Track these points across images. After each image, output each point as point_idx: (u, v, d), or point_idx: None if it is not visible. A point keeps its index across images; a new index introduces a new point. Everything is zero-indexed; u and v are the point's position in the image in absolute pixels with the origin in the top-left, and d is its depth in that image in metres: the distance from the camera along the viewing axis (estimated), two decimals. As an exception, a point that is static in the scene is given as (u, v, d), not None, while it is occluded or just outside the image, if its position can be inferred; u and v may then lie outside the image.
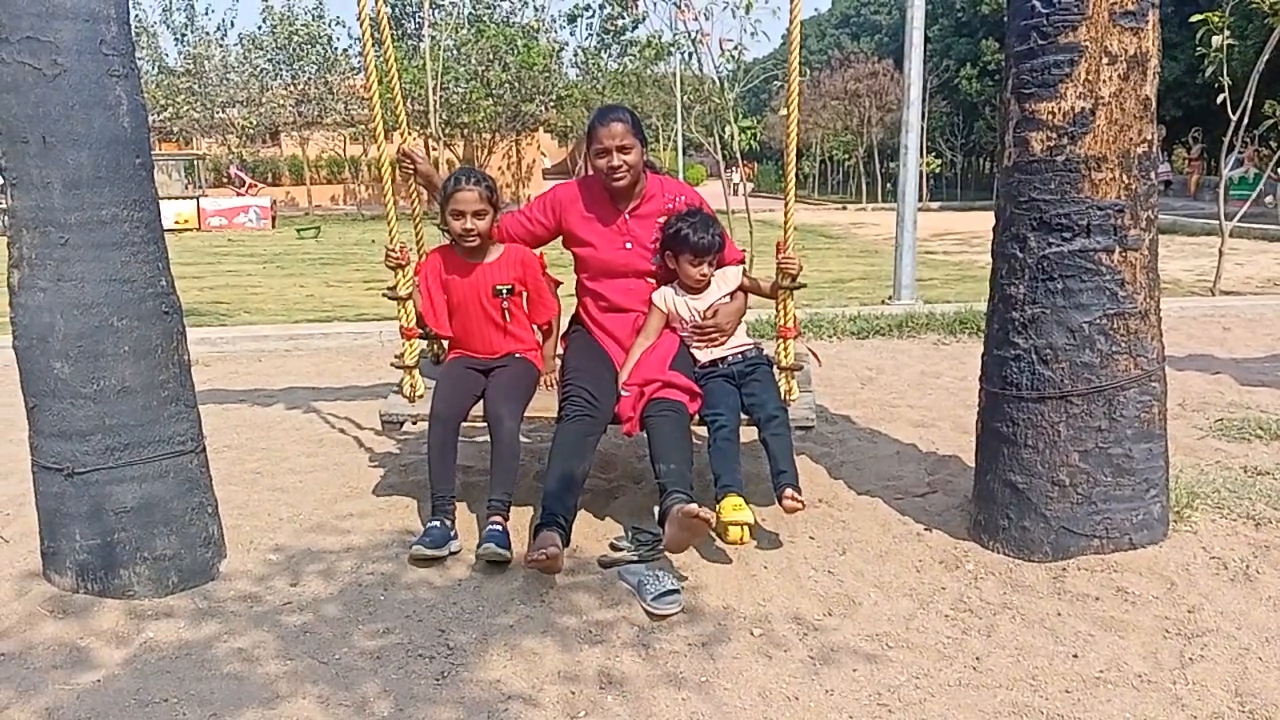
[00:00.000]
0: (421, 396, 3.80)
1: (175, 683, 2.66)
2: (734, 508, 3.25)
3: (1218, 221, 10.08)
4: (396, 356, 3.85)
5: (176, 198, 26.03)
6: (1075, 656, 2.68)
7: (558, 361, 3.89)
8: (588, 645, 2.82)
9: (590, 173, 3.77)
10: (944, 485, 4.04)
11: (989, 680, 2.58)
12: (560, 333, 3.98)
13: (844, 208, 33.40)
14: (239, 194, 29.10)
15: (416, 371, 3.82)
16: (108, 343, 3.04)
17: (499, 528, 3.39)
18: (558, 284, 3.96)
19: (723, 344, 3.71)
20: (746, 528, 3.29)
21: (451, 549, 3.44)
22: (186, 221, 24.89)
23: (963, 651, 2.74)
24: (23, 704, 2.57)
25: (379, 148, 3.75)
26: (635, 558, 3.36)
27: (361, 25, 3.56)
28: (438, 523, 3.47)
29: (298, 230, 22.60)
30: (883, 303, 9.12)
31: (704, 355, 3.71)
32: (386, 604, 3.10)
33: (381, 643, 2.86)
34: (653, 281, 3.80)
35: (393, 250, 3.71)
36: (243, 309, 10.31)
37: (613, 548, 3.46)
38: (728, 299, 3.74)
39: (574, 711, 2.49)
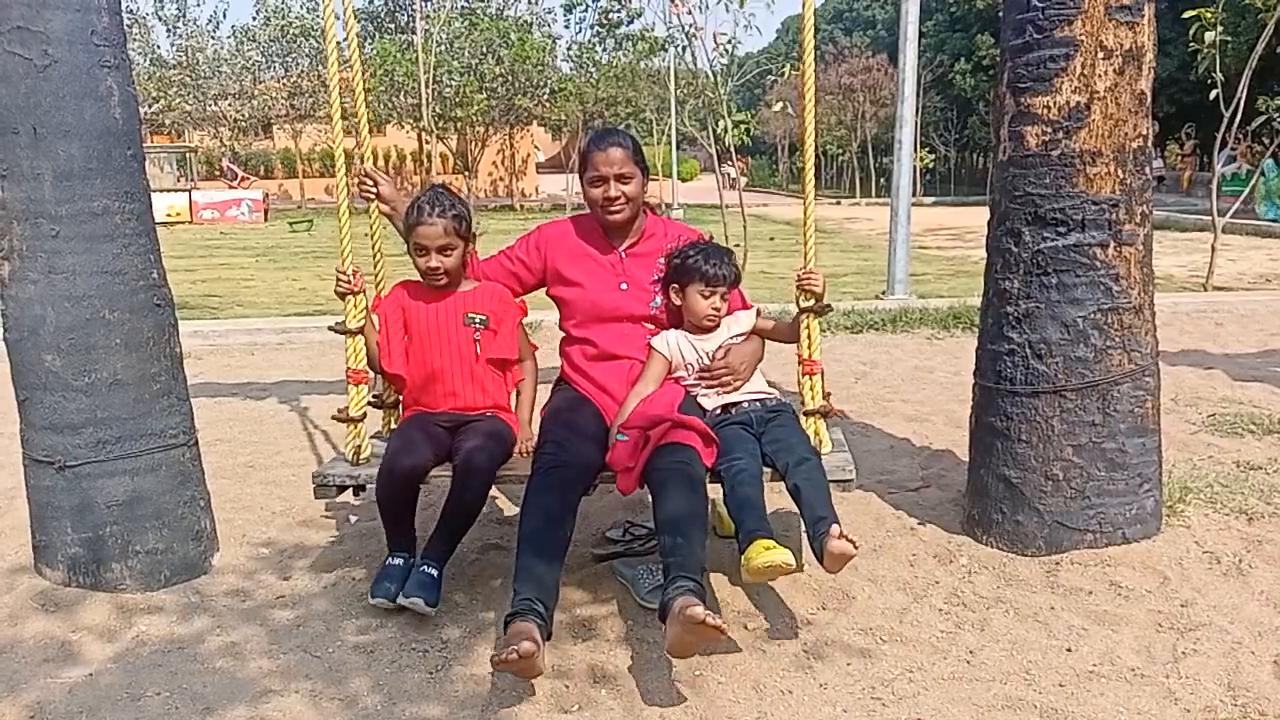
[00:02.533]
0: (368, 460, 3.13)
1: (166, 677, 2.65)
2: (765, 548, 2.63)
3: (1210, 217, 10.10)
4: (340, 410, 3.19)
5: (168, 190, 25.94)
6: (1069, 650, 2.68)
7: (535, 430, 3.16)
8: (580, 640, 2.82)
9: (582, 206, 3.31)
10: (937, 480, 4.05)
11: (982, 674, 2.58)
12: (538, 403, 3.32)
13: (838, 203, 33.42)
14: (231, 187, 29.02)
15: (363, 427, 3.18)
16: (99, 335, 3.03)
17: (432, 574, 2.92)
18: (534, 348, 3.40)
19: (736, 389, 3.14)
20: (782, 568, 2.63)
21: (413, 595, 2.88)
22: (178, 214, 24.83)
23: (956, 645, 2.74)
24: (12, 699, 2.56)
25: (335, 143, 3.20)
26: (629, 552, 3.36)
27: (325, 21, 3.18)
28: (400, 560, 3.00)
29: (290, 223, 22.55)
30: (876, 298, 9.13)
31: (713, 402, 3.12)
32: (379, 598, 3.09)
33: (373, 638, 2.85)
34: (651, 328, 3.22)
35: (343, 275, 3.12)
36: (235, 302, 10.28)
37: (607, 541, 3.45)
38: (741, 339, 3.20)
39: (566, 706, 2.49)
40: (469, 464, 2.92)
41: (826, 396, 3.15)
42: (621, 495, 2.96)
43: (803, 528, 2.81)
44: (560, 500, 2.78)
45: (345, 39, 3.18)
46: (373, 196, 3.26)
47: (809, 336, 3.12)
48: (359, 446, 3.15)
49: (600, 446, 2.97)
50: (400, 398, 3.33)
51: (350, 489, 3.09)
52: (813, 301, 3.10)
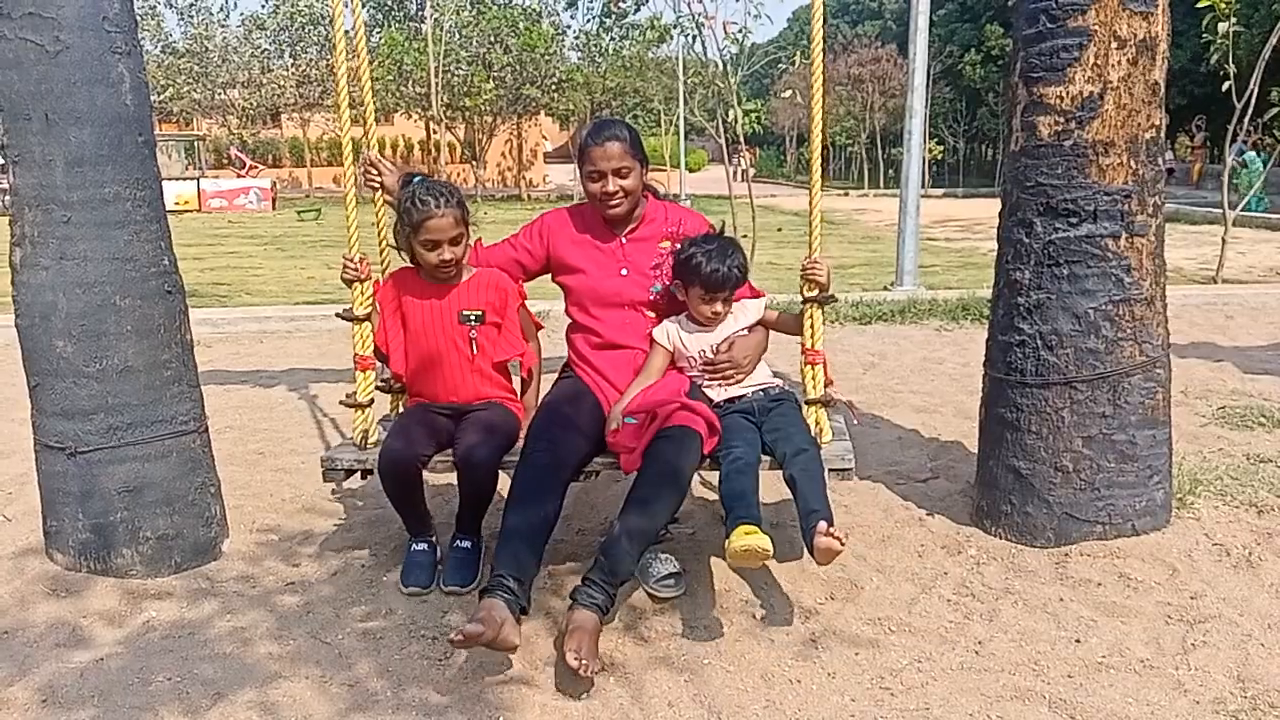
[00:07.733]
0: (375, 445, 3.18)
1: (176, 662, 2.67)
2: (745, 533, 2.62)
3: (1220, 210, 10.05)
4: (347, 395, 3.24)
5: (177, 178, 25.97)
6: (1077, 641, 2.68)
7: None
8: (589, 627, 2.82)
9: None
10: (946, 471, 4.04)
11: (991, 664, 2.58)
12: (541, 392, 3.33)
13: (846, 194, 33.28)
14: (239, 175, 29.07)
15: (370, 412, 3.22)
16: (110, 322, 3.03)
17: (466, 547, 3.12)
18: (539, 327, 3.42)
19: (740, 381, 3.15)
20: (759, 553, 2.62)
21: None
22: (187, 203, 24.85)
23: (965, 636, 2.74)
24: (23, 681, 2.57)
25: (343, 132, 3.19)
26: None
27: (333, 9, 3.14)
28: (424, 545, 3.16)
29: (298, 212, 22.55)
30: (885, 289, 9.11)
31: (718, 394, 3.13)
32: (386, 585, 3.10)
33: (381, 624, 2.86)
34: (652, 315, 3.23)
35: (350, 262, 3.15)
36: (244, 290, 10.30)
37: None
38: (745, 332, 3.18)
39: (574, 694, 2.49)
40: (469, 460, 2.95)
41: (829, 385, 3.15)
42: (625, 474, 2.96)
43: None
44: (542, 485, 2.82)
45: (352, 27, 3.15)
46: (377, 186, 3.26)
47: (812, 327, 3.11)
48: (366, 431, 3.20)
49: (593, 439, 3.00)
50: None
51: (358, 473, 3.14)
52: (816, 291, 3.09)
